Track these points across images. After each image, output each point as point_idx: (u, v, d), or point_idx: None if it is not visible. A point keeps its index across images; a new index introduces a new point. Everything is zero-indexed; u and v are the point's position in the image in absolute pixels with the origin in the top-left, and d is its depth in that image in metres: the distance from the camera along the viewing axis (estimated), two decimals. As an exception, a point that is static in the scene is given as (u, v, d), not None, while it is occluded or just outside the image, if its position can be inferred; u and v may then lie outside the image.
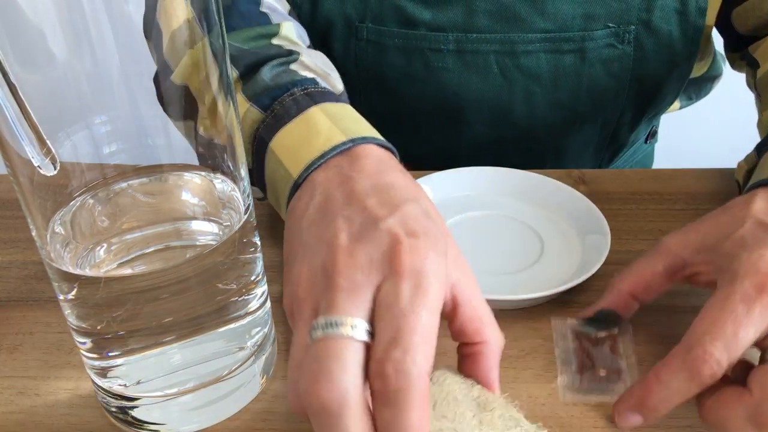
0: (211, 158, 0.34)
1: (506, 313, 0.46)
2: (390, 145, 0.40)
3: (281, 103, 0.42)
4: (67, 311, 0.35)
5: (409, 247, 0.31)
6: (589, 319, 0.43)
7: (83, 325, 0.35)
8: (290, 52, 0.47)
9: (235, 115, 0.35)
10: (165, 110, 0.32)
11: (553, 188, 0.55)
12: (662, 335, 0.44)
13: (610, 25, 0.61)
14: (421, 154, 0.70)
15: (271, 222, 0.56)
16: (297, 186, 0.38)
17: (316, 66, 0.48)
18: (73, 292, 0.34)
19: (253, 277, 0.38)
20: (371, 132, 0.40)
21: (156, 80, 0.32)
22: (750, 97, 0.62)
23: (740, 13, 0.62)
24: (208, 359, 0.37)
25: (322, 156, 0.37)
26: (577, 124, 0.68)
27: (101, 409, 0.40)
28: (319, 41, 0.65)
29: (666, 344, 0.43)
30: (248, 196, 0.37)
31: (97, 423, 0.39)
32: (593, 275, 0.46)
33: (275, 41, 0.49)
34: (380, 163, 0.37)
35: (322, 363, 0.28)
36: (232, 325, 0.37)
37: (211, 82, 0.32)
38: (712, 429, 0.34)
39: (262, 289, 0.40)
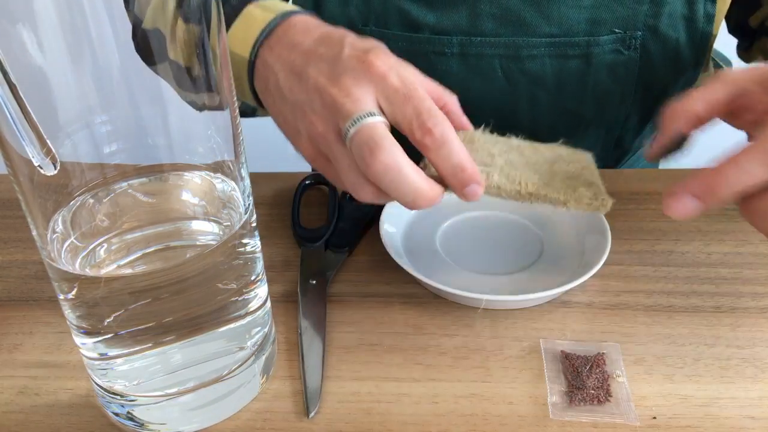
0: (182, 82, 0.34)
1: (506, 313, 0.46)
2: (312, 12, 0.49)
3: (225, 15, 0.48)
4: (68, 311, 0.35)
5: (373, 56, 0.40)
6: (660, 149, 0.43)
7: (83, 325, 0.35)
8: None
9: (191, 37, 0.34)
10: (144, 60, 0.33)
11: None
12: (662, 335, 0.44)
13: (617, 30, 0.60)
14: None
15: (271, 222, 0.56)
16: (252, 64, 0.47)
17: None
18: (73, 292, 0.34)
19: (253, 277, 0.38)
20: (295, 7, 0.49)
21: (133, 35, 0.32)
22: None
23: (758, 16, 0.63)
24: (208, 359, 0.37)
25: (261, 33, 0.46)
26: (581, 129, 0.67)
27: (101, 408, 0.40)
28: None
29: (665, 344, 0.44)
30: (248, 195, 0.38)
31: (97, 423, 0.39)
32: (593, 275, 0.46)
33: None
34: (309, 25, 0.46)
35: (368, 142, 0.37)
36: (232, 325, 0.37)
37: (168, 11, 0.33)
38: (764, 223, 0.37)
39: (262, 288, 0.40)
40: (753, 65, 0.42)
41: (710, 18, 0.60)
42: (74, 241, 0.35)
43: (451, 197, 0.57)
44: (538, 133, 0.68)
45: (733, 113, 0.42)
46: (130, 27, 0.32)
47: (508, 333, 0.45)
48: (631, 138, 0.71)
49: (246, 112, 0.59)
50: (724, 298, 0.47)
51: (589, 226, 0.51)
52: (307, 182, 0.60)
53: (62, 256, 0.34)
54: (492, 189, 0.42)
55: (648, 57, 0.62)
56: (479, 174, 0.40)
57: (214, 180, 0.37)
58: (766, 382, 0.41)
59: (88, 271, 0.34)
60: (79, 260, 0.34)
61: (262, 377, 0.41)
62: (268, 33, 0.46)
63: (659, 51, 0.61)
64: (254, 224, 0.38)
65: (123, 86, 0.33)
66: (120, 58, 0.31)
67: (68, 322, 0.36)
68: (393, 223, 0.53)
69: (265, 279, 0.41)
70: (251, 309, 0.39)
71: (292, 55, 0.44)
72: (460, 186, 0.40)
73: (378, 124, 0.38)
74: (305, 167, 0.64)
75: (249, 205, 0.37)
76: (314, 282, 0.48)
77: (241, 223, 0.36)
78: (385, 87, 0.39)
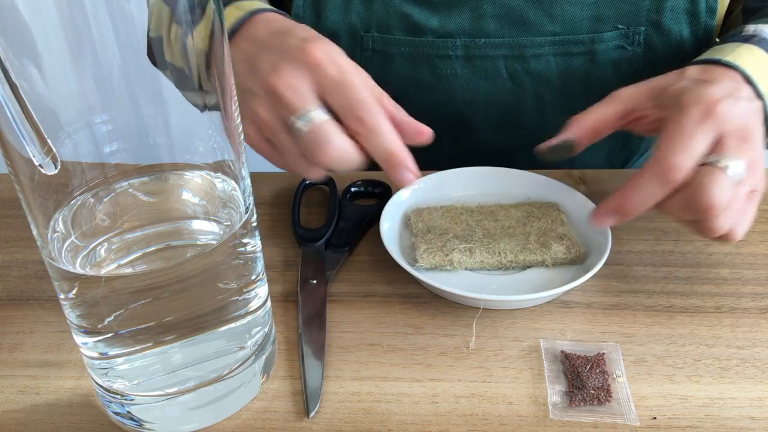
0: (180, 83, 0.35)
1: (506, 313, 0.46)
2: (282, 12, 0.51)
3: None
4: (68, 310, 0.35)
5: (311, 46, 0.43)
6: (549, 148, 0.51)
7: (84, 324, 0.35)
8: None
9: (184, 41, 0.35)
10: (155, 66, 0.34)
11: (553, 188, 0.55)
12: (662, 335, 0.44)
13: (620, 26, 0.60)
14: (429, 164, 0.70)
15: (271, 222, 0.56)
16: None
17: None
18: (74, 292, 0.34)
19: (253, 277, 0.38)
20: (266, 5, 0.51)
21: (147, 41, 0.33)
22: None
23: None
24: (209, 358, 0.37)
25: (230, 29, 0.49)
26: None
27: (101, 408, 0.40)
28: None
29: (666, 344, 0.44)
30: (249, 195, 0.38)
31: (98, 422, 0.39)
32: (594, 275, 0.46)
33: None
34: (270, 19, 0.49)
35: (317, 141, 0.41)
36: (232, 325, 0.37)
37: (163, 16, 0.35)
38: (667, 215, 0.44)
39: (262, 288, 0.40)
40: (646, 81, 0.49)
41: (713, 11, 0.60)
42: (75, 240, 0.35)
43: (450, 197, 0.57)
44: (544, 135, 0.68)
45: (630, 124, 0.49)
46: (130, 26, 0.32)
47: (508, 333, 0.45)
48: (637, 139, 0.71)
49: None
50: (724, 298, 0.47)
51: (590, 227, 0.51)
52: (307, 182, 0.60)
53: (62, 255, 0.34)
54: (476, 263, 0.48)
55: (652, 52, 0.62)
56: (410, 159, 0.44)
57: (214, 179, 0.37)
58: (766, 382, 0.41)
59: (89, 271, 0.34)
60: (79, 259, 0.35)
61: (262, 377, 0.41)
62: (234, 29, 0.49)
63: (663, 46, 0.61)
64: (255, 224, 0.39)
65: (123, 85, 0.33)
66: (121, 57, 0.31)
67: (68, 322, 0.36)
68: (393, 223, 0.53)
69: (266, 279, 0.41)
70: (251, 309, 0.39)
71: (246, 45, 0.47)
72: (391, 170, 0.44)
73: (324, 121, 0.42)
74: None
75: (249, 204, 0.38)
76: (314, 282, 0.48)
77: (242, 222, 0.37)
78: (320, 75, 0.42)
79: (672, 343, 0.44)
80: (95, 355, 0.36)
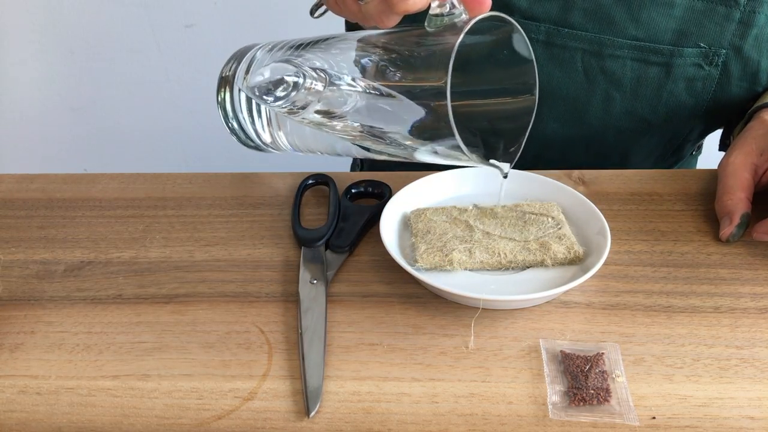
0: None
1: (506, 313, 0.46)
2: None
3: None
4: None
5: None
6: (732, 234, 0.52)
7: None
8: None
9: None
10: None
11: (553, 188, 0.56)
12: (661, 335, 0.44)
13: (701, 45, 0.61)
14: (488, 143, 0.71)
15: (271, 222, 0.56)
16: None
17: None
18: None
19: None
20: None
21: None
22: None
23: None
24: None
25: None
26: (647, 135, 0.68)
27: (102, 407, 0.40)
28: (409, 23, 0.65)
29: (665, 344, 0.44)
30: None
31: (98, 422, 0.40)
32: (593, 275, 0.46)
33: None
34: None
35: None
36: None
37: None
38: None
39: None
40: (738, 145, 0.54)
41: None
42: None
43: (451, 197, 0.57)
44: (606, 132, 0.68)
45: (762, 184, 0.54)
46: None
47: (508, 333, 0.45)
48: (690, 147, 0.71)
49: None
50: (723, 298, 0.47)
51: (589, 227, 0.51)
52: (307, 182, 0.60)
53: None
54: (476, 264, 0.48)
55: (727, 76, 0.62)
56: None
57: None
58: (765, 382, 0.41)
59: None
60: None
61: None
62: None
63: (739, 71, 0.62)
64: None
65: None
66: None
67: None
68: (393, 224, 0.53)
69: None
70: None
71: None
72: None
73: None
74: (305, 167, 0.64)
75: None
76: (314, 282, 0.49)
77: None
78: None
79: (671, 343, 0.44)
80: None
